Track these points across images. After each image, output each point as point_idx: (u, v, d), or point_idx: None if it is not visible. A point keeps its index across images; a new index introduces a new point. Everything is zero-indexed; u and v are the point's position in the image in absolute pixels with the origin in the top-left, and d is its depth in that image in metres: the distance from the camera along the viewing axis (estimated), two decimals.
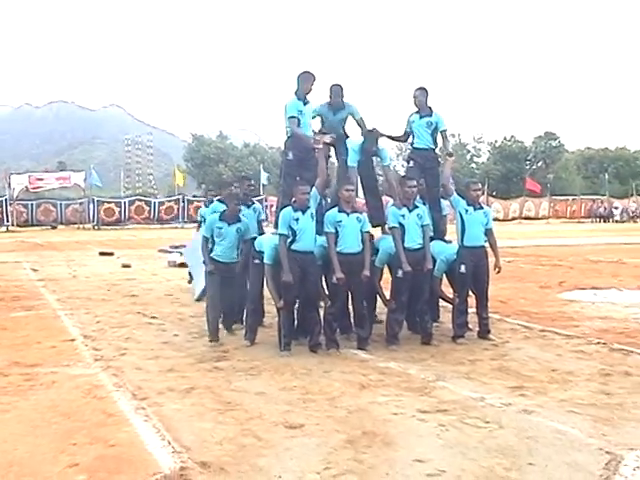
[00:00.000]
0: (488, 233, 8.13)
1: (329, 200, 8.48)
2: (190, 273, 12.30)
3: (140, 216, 47.21)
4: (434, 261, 7.97)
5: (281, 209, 7.69)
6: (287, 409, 5.34)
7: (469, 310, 8.15)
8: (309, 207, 7.46)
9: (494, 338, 8.01)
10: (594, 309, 10.26)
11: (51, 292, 12.64)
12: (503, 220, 52.43)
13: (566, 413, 5.22)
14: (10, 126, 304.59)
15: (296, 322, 7.77)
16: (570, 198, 61.48)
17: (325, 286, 7.81)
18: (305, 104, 8.19)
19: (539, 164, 75.83)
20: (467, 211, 8.02)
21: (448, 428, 4.87)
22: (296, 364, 6.85)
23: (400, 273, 7.61)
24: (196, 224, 14.76)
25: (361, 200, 8.73)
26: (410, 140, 9.02)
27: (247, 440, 4.66)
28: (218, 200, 9.35)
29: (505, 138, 75.68)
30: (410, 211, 7.74)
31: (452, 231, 8.37)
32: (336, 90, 8.47)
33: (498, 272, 8.16)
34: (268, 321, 8.75)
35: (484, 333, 8.06)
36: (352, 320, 7.89)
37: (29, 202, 47.20)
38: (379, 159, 8.75)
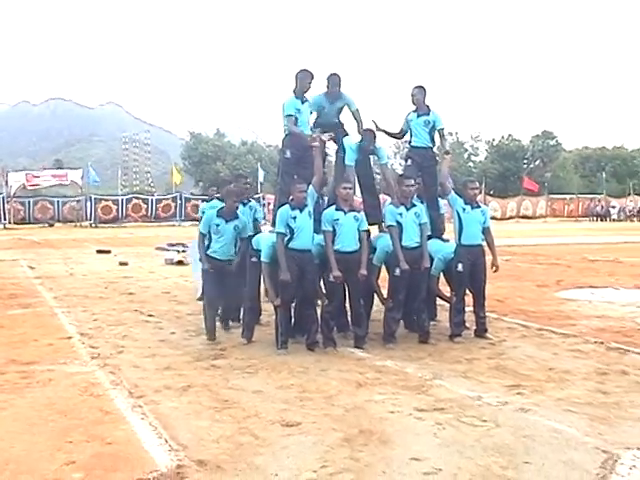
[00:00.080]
0: (485, 232, 8.13)
1: (326, 199, 8.49)
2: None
3: (137, 214, 47.15)
4: (431, 260, 7.97)
5: (279, 207, 7.69)
6: (284, 407, 5.35)
7: (466, 309, 8.16)
8: (307, 205, 7.46)
9: (491, 337, 8.02)
10: (591, 308, 10.28)
11: (48, 290, 12.62)
12: (500, 219, 52.46)
13: (563, 412, 5.22)
14: (7, 123, 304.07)
15: (293, 320, 7.77)
16: (567, 197, 61.54)
17: (322, 284, 7.81)
18: (303, 102, 8.20)
19: (537, 163, 75.85)
20: (464, 210, 8.02)
21: (445, 426, 4.88)
22: (293, 362, 6.85)
23: (397, 271, 7.61)
24: (198, 222, 14.71)
25: (358, 199, 8.73)
26: (406, 138, 9.04)
27: (244, 438, 4.66)
28: (217, 198, 9.35)
29: (503, 137, 75.73)
30: (408, 209, 7.75)
31: (450, 230, 8.37)
32: (334, 80, 8.49)
33: (495, 271, 8.16)
34: (265, 319, 8.75)
35: (481, 332, 8.06)
36: (349, 318, 7.89)
37: (26, 200, 47.11)
38: (376, 158, 8.76)
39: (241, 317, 8.36)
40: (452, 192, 8.18)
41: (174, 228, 41.29)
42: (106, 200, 47.21)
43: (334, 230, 7.44)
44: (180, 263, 17.45)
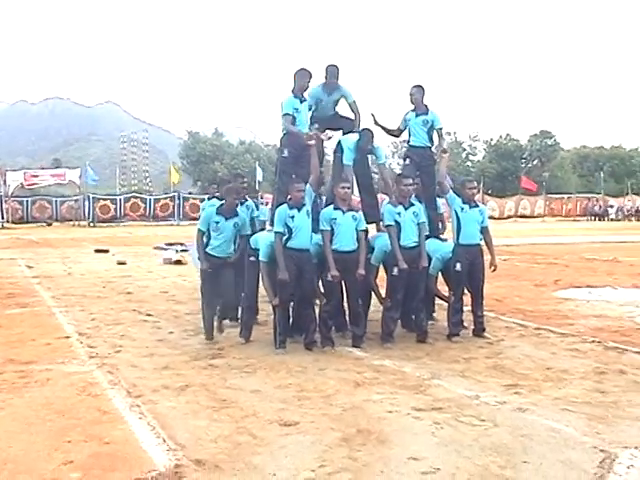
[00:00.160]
0: (484, 231, 8.14)
1: (324, 198, 8.49)
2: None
3: (136, 213, 47.10)
4: (429, 259, 7.97)
5: (277, 207, 7.69)
6: (282, 407, 5.35)
7: (464, 308, 8.17)
8: (305, 204, 7.46)
9: (489, 336, 8.03)
10: (589, 307, 10.29)
11: (46, 289, 12.61)
12: (499, 218, 52.46)
13: (560, 411, 5.23)
14: (5, 122, 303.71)
15: (291, 320, 7.77)
16: (565, 196, 61.55)
17: (320, 284, 7.81)
18: (302, 102, 8.19)
19: (535, 162, 75.89)
20: (463, 209, 8.02)
21: (443, 426, 4.88)
22: (291, 362, 6.85)
23: (395, 271, 7.61)
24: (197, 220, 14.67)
25: (356, 198, 8.73)
26: (404, 137, 9.04)
27: (242, 438, 4.66)
28: (215, 197, 9.34)
29: (501, 136, 75.71)
30: (406, 209, 7.75)
31: (450, 229, 8.37)
32: (332, 70, 8.51)
33: (494, 270, 8.17)
34: (263, 319, 8.75)
35: (479, 331, 8.07)
36: (347, 318, 7.89)
37: (24, 199, 47.05)
38: (374, 157, 8.76)
39: (239, 316, 8.35)
40: (450, 191, 8.18)
41: (172, 227, 41.26)
42: (104, 199, 47.15)
43: (332, 230, 7.44)
44: (178, 262, 17.43)
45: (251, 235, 8.15)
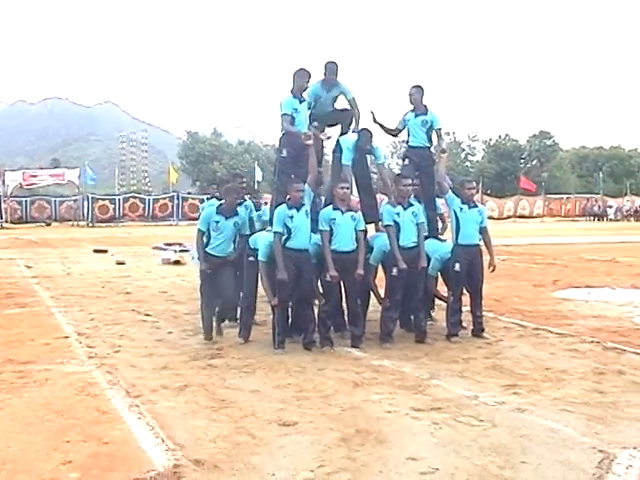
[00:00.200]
0: (483, 231, 8.14)
1: (323, 198, 8.49)
2: None
3: (134, 213, 47.06)
4: (428, 260, 7.97)
5: (276, 207, 7.69)
6: (281, 407, 5.35)
7: (463, 308, 8.17)
8: (304, 204, 7.46)
9: (488, 336, 8.03)
10: (588, 308, 10.29)
11: (45, 289, 12.60)
12: (498, 218, 52.45)
13: (559, 411, 5.23)
14: (4, 122, 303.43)
15: (290, 320, 7.77)
16: (564, 197, 61.54)
17: (319, 284, 7.81)
18: (301, 102, 8.19)
19: (534, 163, 75.89)
20: (462, 209, 8.02)
21: (442, 426, 4.88)
22: (290, 362, 6.85)
23: (395, 271, 7.62)
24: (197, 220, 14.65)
25: (355, 198, 8.73)
26: (403, 137, 9.05)
27: (241, 438, 4.66)
28: (215, 197, 9.34)
29: (500, 137, 75.66)
30: (405, 209, 7.75)
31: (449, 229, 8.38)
32: (331, 67, 8.52)
33: (492, 271, 8.17)
34: (262, 319, 8.75)
35: (478, 331, 8.07)
36: (346, 318, 7.90)
37: (23, 199, 47.01)
38: (373, 157, 8.76)
39: (238, 316, 8.35)
40: (449, 192, 8.18)
41: (171, 227, 41.24)
42: (103, 199, 47.10)
43: (331, 230, 7.44)
44: (177, 263, 17.44)
45: (250, 235, 8.15)
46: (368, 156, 8.69)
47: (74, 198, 48.07)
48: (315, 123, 8.59)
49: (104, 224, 44.02)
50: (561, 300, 11.10)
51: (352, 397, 5.63)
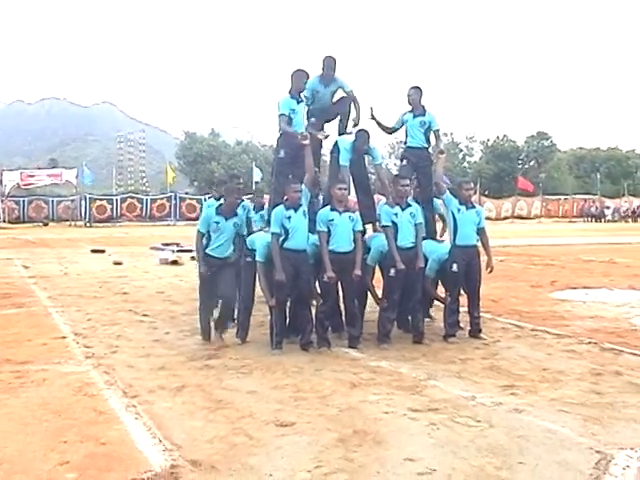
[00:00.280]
0: (480, 232, 8.15)
1: (321, 199, 8.49)
2: None
3: (132, 213, 47.13)
4: (426, 260, 7.97)
5: (273, 207, 7.68)
6: (278, 408, 5.34)
7: (460, 309, 8.17)
8: (301, 205, 7.46)
9: (485, 337, 8.03)
10: (585, 308, 10.30)
11: (42, 289, 12.60)
12: (495, 219, 52.57)
13: (556, 412, 5.24)
14: (2, 122, 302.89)
15: (288, 320, 7.77)
16: (562, 198, 61.66)
17: (317, 284, 7.81)
18: (299, 102, 8.18)
19: (531, 163, 75.99)
20: (459, 210, 8.03)
21: (439, 427, 4.88)
22: (287, 362, 6.85)
23: (392, 272, 7.62)
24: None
25: (353, 199, 8.73)
26: (400, 137, 9.06)
27: (238, 439, 4.66)
28: (214, 198, 9.32)
29: (497, 137, 75.74)
30: (403, 210, 7.75)
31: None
32: (329, 62, 8.52)
33: (490, 271, 8.17)
34: (259, 319, 8.73)
35: (475, 332, 8.07)
36: (343, 318, 7.89)
37: (21, 199, 47.08)
38: (371, 158, 8.76)
39: (235, 317, 8.33)
40: (447, 192, 8.18)
41: (169, 228, 41.25)
42: (101, 199, 47.18)
43: (329, 230, 7.44)
44: (175, 263, 17.44)
45: (247, 235, 8.13)
46: (366, 157, 8.69)
47: (72, 198, 48.14)
48: (313, 119, 8.60)
49: (101, 224, 44.06)
50: (558, 301, 11.10)
51: (349, 398, 5.62)
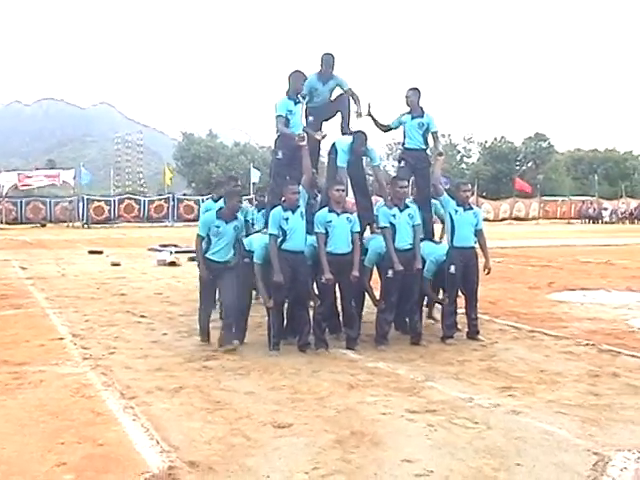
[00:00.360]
0: (478, 234, 8.15)
1: (319, 200, 8.49)
2: None
3: (130, 214, 47.06)
4: (424, 262, 7.98)
5: (271, 209, 7.68)
6: (276, 409, 5.34)
7: (458, 311, 8.18)
8: (299, 206, 7.45)
9: (483, 339, 8.04)
10: (583, 310, 10.31)
11: (40, 290, 12.57)
12: (493, 221, 52.60)
13: (554, 414, 5.24)
14: None
15: (285, 322, 7.77)
16: (560, 199, 61.73)
17: (315, 286, 7.81)
18: (296, 103, 8.19)
19: (529, 165, 76.04)
20: (457, 212, 8.04)
21: (437, 428, 4.88)
22: (285, 364, 6.85)
23: (390, 273, 7.62)
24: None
25: (351, 200, 8.73)
26: (398, 138, 9.08)
27: (236, 440, 4.66)
28: (212, 199, 9.30)
29: (495, 139, 75.85)
30: (401, 211, 7.75)
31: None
32: (327, 60, 8.53)
33: (488, 273, 8.18)
34: (257, 321, 8.73)
35: (473, 334, 8.08)
36: (341, 320, 7.89)
37: (18, 200, 46.99)
38: (369, 159, 8.76)
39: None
40: (445, 194, 8.19)
41: (166, 229, 41.21)
42: (98, 201, 47.10)
43: (327, 232, 7.44)
44: (172, 264, 17.42)
45: (245, 236, 8.11)
46: (363, 158, 8.69)
47: (69, 199, 48.06)
48: (311, 118, 8.60)
49: (99, 225, 44.01)
50: (556, 302, 11.11)
51: (347, 399, 5.62)
